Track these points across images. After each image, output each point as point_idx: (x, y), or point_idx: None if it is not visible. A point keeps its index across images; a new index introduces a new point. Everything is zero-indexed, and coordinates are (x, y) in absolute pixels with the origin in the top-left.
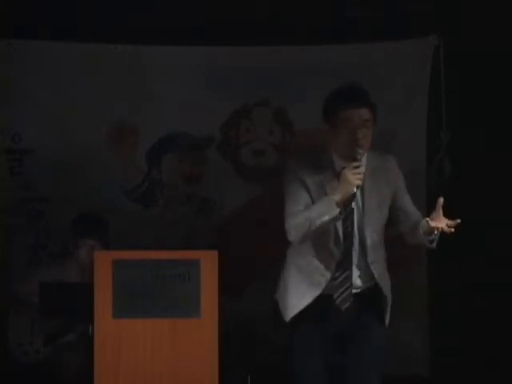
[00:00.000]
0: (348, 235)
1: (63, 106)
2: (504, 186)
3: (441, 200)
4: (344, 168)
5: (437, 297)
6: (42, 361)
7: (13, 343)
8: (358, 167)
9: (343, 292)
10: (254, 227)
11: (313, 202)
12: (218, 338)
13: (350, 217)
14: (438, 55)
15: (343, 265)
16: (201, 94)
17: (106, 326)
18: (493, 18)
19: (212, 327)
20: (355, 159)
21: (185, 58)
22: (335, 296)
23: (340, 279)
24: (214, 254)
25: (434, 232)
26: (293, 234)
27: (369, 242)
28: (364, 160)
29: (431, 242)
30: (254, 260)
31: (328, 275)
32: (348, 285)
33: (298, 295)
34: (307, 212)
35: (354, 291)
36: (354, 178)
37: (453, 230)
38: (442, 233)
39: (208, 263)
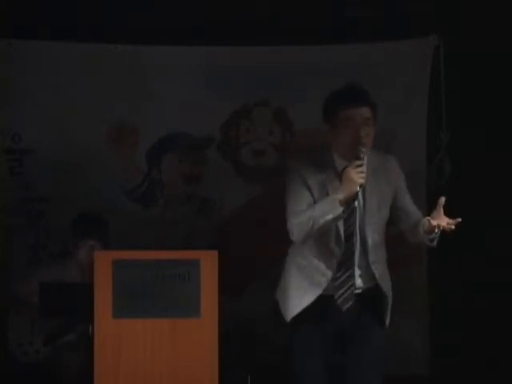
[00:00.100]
0: (349, 235)
1: (63, 106)
2: (504, 186)
3: (442, 199)
4: (346, 167)
5: (437, 296)
6: (42, 361)
7: (13, 343)
8: (360, 166)
9: (344, 292)
10: (254, 227)
11: (315, 202)
12: (218, 338)
13: (352, 216)
14: (438, 55)
15: (344, 265)
16: (201, 94)
17: (106, 325)
18: (493, 18)
19: (212, 327)
20: (358, 158)
21: (185, 58)
22: (336, 296)
23: (341, 279)
24: (214, 254)
25: (434, 231)
26: (295, 234)
27: (370, 241)
28: (365, 160)
29: (432, 240)
30: (254, 260)
31: (329, 275)
32: (349, 285)
33: (298, 295)
34: (310, 211)
35: (354, 291)
36: (357, 176)
37: (453, 227)
38: (443, 231)
39: (208, 263)
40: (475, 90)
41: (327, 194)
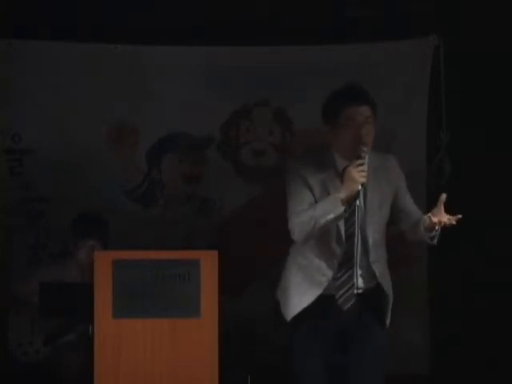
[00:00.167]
0: (350, 235)
1: (63, 106)
2: (504, 186)
3: (443, 196)
4: (347, 166)
5: (437, 295)
6: (42, 361)
7: (13, 343)
8: (362, 165)
9: (345, 292)
10: (254, 227)
11: (316, 201)
12: (218, 338)
13: (353, 216)
14: (438, 55)
15: (345, 264)
16: (201, 94)
17: (106, 325)
18: (493, 18)
19: (212, 327)
20: (359, 157)
21: (185, 58)
22: (337, 296)
23: (342, 279)
24: (214, 254)
25: (435, 228)
26: (297, 233)
27: (371, 241)
28: (366, 159)
29: (432, 238)
30: (254, 260)
31: (330, 275)
32: (350, 285)
33: (299, 294)
34: (311, 210)
35: (355, 291)
36: (358, 175)
37: (454, 223)
38: (444, 228)
39: (208, 263)
40: (475, 90)
41: (328, 194)
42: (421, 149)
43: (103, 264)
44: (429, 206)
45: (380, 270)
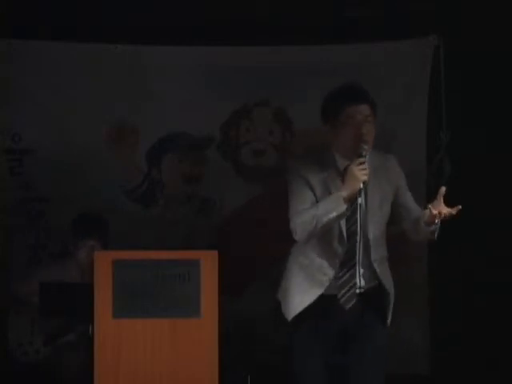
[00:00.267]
0: (352, 234)
1: (63, 106)
2: (504, 186)
3: (443, 189)
4: (348, 165)
5: (437, 295)
6: (42, 361)
7: (13, 343)
8: (363, 163)
9: (347, 291)
10: (254, 227)
11: (317, 201)
12: (218, 338)
13: (354, 215)
14: (438, 55)
15: (347, 264)
16: (201, 94)
17: (106, 325)
18: (493, 18)
19: (212, 327)
20: (360, 155)
21: (185, 58)
22: (339, 295)
23: (344, 278)
24: (214, 254)
25: (435, 220)
26: (299, 233)
27: (372, 240)
28: (367, 157)
29: (432, 232)
30: (254, 260)
31: (331, 274)
32: (352, 284)
33: (300, 294)
34: (313, 210)
35: (357, 291)
36: (360, 173)
37: (454, 213)
38: (443, 221)
39: (208, 263)
40: (475, 90)
41: (330, 193)
42: (421, 149)
43: (103, 264)
44: None
45: (381, 268)
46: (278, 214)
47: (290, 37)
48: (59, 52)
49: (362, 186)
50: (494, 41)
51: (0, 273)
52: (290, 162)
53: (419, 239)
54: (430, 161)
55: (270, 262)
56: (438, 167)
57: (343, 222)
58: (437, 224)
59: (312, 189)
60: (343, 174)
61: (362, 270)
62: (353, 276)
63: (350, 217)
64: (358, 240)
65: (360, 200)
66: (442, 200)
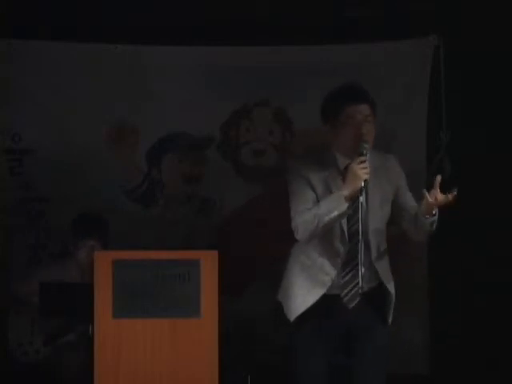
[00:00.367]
0: (353, 233)
1: (63, 106)
2: (504, 186)
3: (438, 177)
4: (349, 164)
5: (437, 295)
6: (42, 361)
7: (13, 343)
8: (364, 162)
9: (350, 291)
10: (254, 227)
11: (318, 200)
12: (218, 338)
13: (355, 214)
14: (438, 55)
15: (349, 263)
16: (201, 94)
17: (106, 326)
18: (493, 18)
19: (212, 327)
20: (361, 154)
21: (185, 58)
22: (342, 294)
23: (347, 278)
24: (214, 254)
25: (432, 211)
26: (300, 232)
27: (373, 239)
28: (368, 156)
29: (431, 224)
30: (254, 260)
31: (333, 274)
32: (355, 283)
33: (302, 294)
34: (315, 209)
35: (359, 290)
36: (361, 172)
37: (450, 198)
38: (441, 208)
39: (208, 263)
40: (475, 90)
41: (331, 193)
42: (421, 149)
43: (103, 264)
44: None
45: (382, 268)
46: (277, 214)
47: (289, 37)
48: (59, 52)
49: (363, 184)
50: (494, 41)
51: (0, 273)
52: (290, 161)
53: (419, 239)
54: (430, 161)
55: (270, 262)
56: (438, 167)
57: (345, 222)
58: (435, 215)
59: (313, 188)
60: (344, 173)
61: (363, 270)
62: (355, 276)
63: (351, 216)
64: (360, 239)
65: (361, 199)
66: (438, 189)
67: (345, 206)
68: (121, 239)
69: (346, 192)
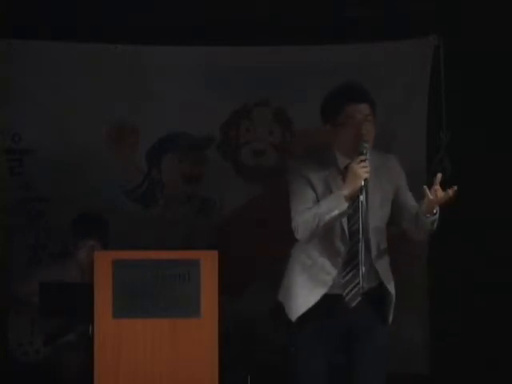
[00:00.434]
0: (354, 232)
1: (63, 106)
2: (504, 186)
3: (439, 175)
4: (349, 163)
5: (437, 295)
6: (42, 361)
7: (13, 343)
8: (364, 161)
9: (351, 290)
10: (254, 227)
11: (318, 200)
12: (218, 338)
13: (356, 214)
14: (438, 55)
15: (350, 263)
16: (201, 94)
17: (106, 325)
18: (493, 18)
19: (212, 327)
20: (361, 153)
21: (185, 58)
22: (344, 294)
23: (348, 277)
24: (214, 254)
25: (433, 210)
26: (301, 232)
27: (373, 239)
28: (368, 155)
29: (432, 223)
30: (254, 260)
31: (334, 273)
32: (356, 282)
33: (303, 294)
34: (315, 208)
35: (360, 289)
36: (361, 171)
37: (450, 194)
38: (442, 205)
39: (208, 263)
40: (475, 90)
41: (331, 192)
42: (421, 149)
43: (103, 264)
44: None
45: (383, 268)
46: (278, 214)
47: (289, 37)
48: (59, 52)
49: (363, 183)
50: (494, 41)
51: (0, 273)
52: (290, 161)
53: (420, 238)
54: (430, 161)
55: (270, 262)
56: (438, 167)
57: (345, 221)
58: (435, 214)
59: (313, 188)
60: (344, 173)
61: (364, 269)
62: (355, 275)
63: (351, 215)
64: (361, 238)
65: (362, 198)
66: (438, 185)
67: (345, 205)
68: (121, 239)
69: (346, 191)
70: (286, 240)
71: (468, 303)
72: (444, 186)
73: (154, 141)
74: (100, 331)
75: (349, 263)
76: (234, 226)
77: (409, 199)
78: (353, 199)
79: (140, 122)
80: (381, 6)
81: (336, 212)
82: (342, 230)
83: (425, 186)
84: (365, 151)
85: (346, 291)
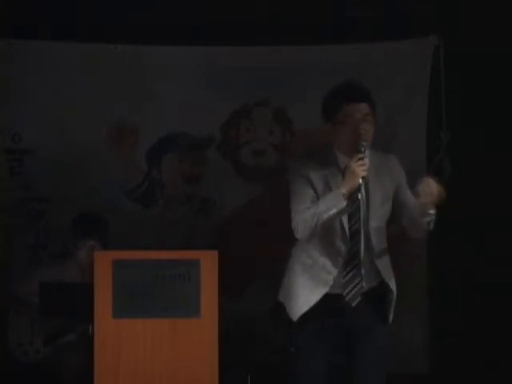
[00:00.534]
0: (354, 232)
1: (63, 106)
2: (504, 186)
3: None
4: (349, 162)
5: (437, 295)
6: (42, 361)
7: (13, 343)
8: (362, 159)
9: (352, 289)
10: (254, 227)
11: (318, 198)
12: (218, 338)
13: (356, 213)
14: (438, 55)
15: (351, 262)
16: (201, 94)
17: (106, 325)
18: (493, 18)
19: (212, 327)
20: (359, 151)
21: (185, 58)
22: (345, 293)
23: (348, 277)
24: (214, 254)
25: (426, 209)
26: (300, 231)
27: (374, 238)
28: (367, 153)
29: (428, 223)
30: (254, 260)
31: (335, 273)
32: (357, 282)
33: (304, 294)
34: (314, 208)
35: (361, 289)
36: (359, 169)
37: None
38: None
39: (208, 263)
40: (475, 90)
41: (330, 190)
42: (421, 149)
43: (103, 264)
44: None
45: (383, 266)
46: (278, 214)
47: (290, 37)
48: (59, 52)
49: (361, 181)
50: (494, 41)
51: (0, 273)
52: (290, 162)
53: (418, 236)
54: (430, 161)
55: (270, 262)
56: (438, 167)
57: (346, 220)
58: (432, 215)
59: (313, 187)
60: (344, 172)
61: (364, 268)
62: (356, 275)
63: (352, 215)
64: (362, 237)
65: (360, 196)
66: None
67: (343, 203)
68: (121, 239)
69: (344, 189)
70: (286, 240)
71: (468, 303)
72: (444, 185)
73: (154, 141)
74: (100, 331)
75: (349, 263)
76: (234, 226)
77: (409, 197)
78: (352, 197)
79: (140, 122)
80: (381, 6)
81: (334, 210)
82: (343, 229)
83: (418, 189)
84: (363, 149)
85: (347, 291)
